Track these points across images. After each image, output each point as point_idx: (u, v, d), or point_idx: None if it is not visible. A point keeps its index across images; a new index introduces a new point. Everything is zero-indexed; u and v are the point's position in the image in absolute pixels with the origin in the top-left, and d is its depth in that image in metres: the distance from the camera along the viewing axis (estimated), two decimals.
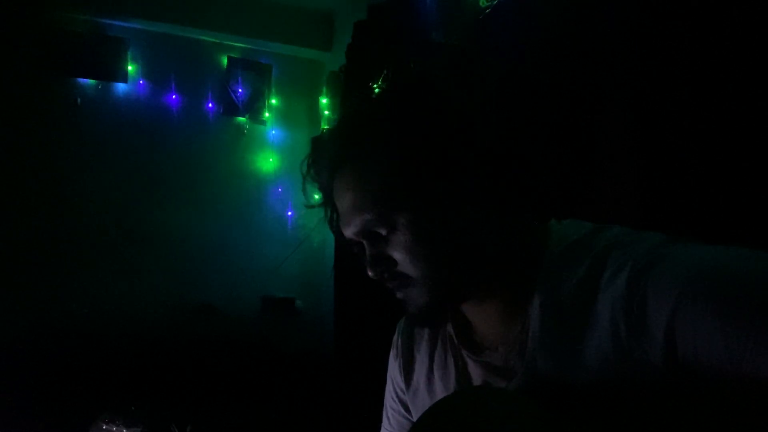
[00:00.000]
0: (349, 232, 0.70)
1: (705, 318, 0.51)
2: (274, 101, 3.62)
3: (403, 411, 0.93)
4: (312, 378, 2.87)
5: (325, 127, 3.45)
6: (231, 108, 3.50)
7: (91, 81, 3.25)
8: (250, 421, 2.76)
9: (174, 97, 3.39)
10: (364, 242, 0.70)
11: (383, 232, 0.67)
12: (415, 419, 0.89)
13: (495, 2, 1.52)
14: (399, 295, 0.71)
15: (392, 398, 0.95)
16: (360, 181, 0.67)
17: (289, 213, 3.60)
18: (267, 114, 3.60)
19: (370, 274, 0.70)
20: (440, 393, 0.81)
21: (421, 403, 0.86)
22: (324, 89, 3.50)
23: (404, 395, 0.92)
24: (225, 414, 2.73)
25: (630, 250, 0.61)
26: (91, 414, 1.17)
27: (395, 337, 0.95)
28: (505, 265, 0.71)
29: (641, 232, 0.66)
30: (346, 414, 2.31)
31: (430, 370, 0.84)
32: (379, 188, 0.66)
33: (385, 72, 2.18)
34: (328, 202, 0.75)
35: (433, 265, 0.66)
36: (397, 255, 0.67)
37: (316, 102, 3.61)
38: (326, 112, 3.44)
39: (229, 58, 3.52)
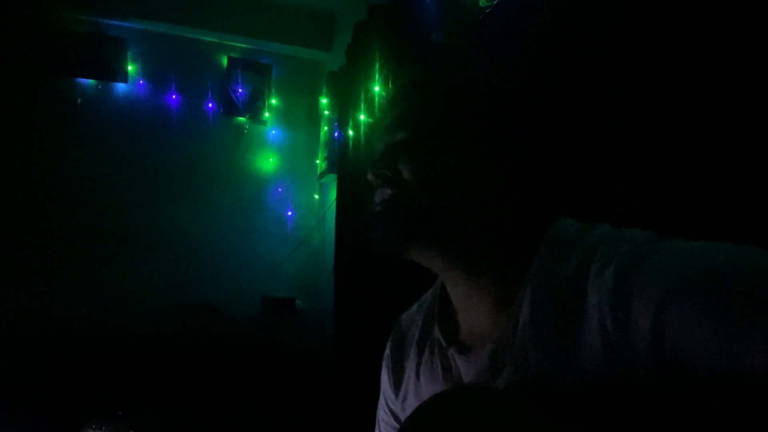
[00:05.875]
0: (382, 142, 0.78)
1: (693, 313, 0.51)
2: (274, 101, 3.62)
3: (394, 423, 0.93)
4: (312, 378, 2.87)
5: (326, 127, 3.45)
6: (231, 108, 3.50)
7: (91, 81, 3.26)
8: (250, 421, 2.76)
9: (174, 97, 3.40)
10: (384, 152, 0.76)
11: (407, 155, 0.73)
12: None
13: (495, 2, 1.52)
14: (378, 207, 0.74)
15: (384, 411, 0.95)
16: (414, 109, 0.77)
17: (289, 213, 3.60)
18: (267, 114, 3.60)
19: (369, 176, 0.75)
20: (427, 396, 0.82)
21: (410, 410, 0.86)
22: (324, 89, 3.50)
23: (395, 406, 0.92)
24: (225, 414, 2.73)
25: (617, 246, 0.62)
26: (82, 418, 1.17)
27: (386, 351, 0.95)
28: (498, 250, 0.72)
29: (630, 230, 0.66)
30: (345, 414, 2.31)
31: (417, 376, 0.84)
32: (425, 119, 0.75)
33: (385, 72, 2.18)
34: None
35: (430, 190, 0.71)
36: (405, 171, 0.72)
37: (316, 102, 3.61)
38: (326, 112, 3.44)
39: (229, 58, 3.52)
